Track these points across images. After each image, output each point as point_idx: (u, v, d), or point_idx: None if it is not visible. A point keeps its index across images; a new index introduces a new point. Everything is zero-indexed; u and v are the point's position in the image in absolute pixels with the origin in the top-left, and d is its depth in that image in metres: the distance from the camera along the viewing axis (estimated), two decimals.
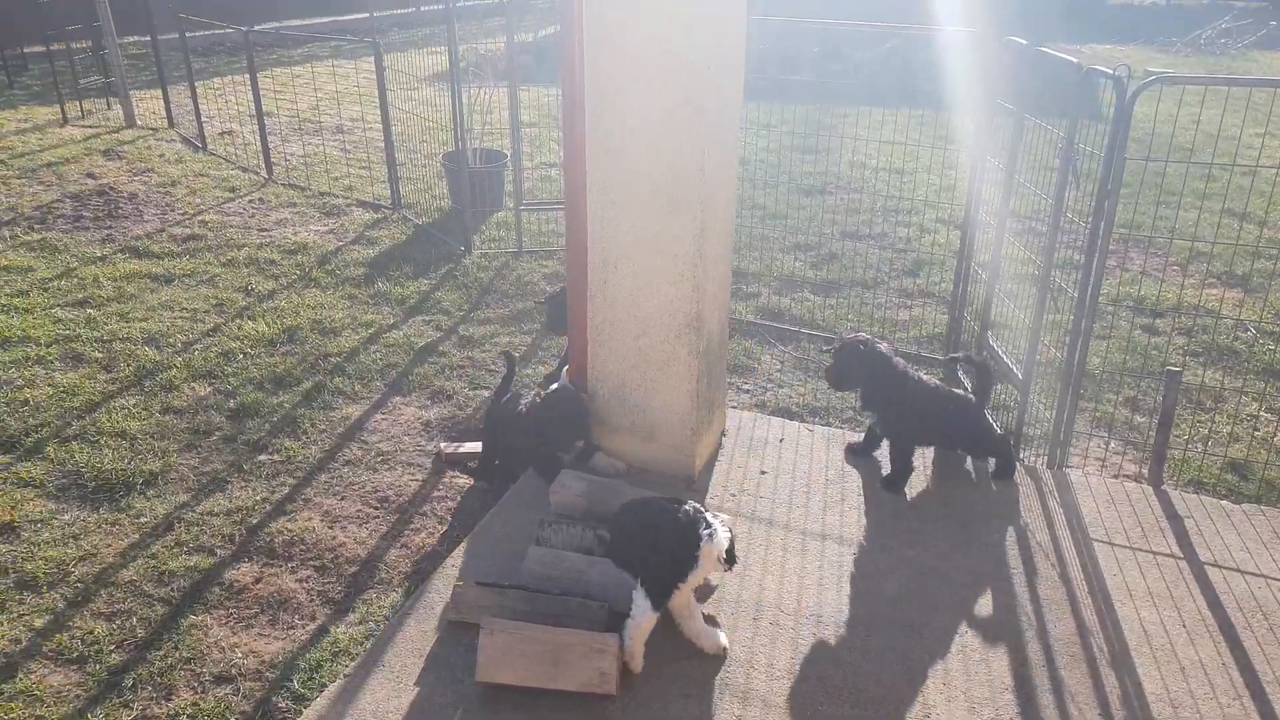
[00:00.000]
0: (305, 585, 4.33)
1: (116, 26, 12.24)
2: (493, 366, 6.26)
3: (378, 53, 8.97)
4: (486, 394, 5.85)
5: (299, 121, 12.58)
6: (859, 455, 5.11)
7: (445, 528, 4.75)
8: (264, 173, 10.38)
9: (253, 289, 7.42)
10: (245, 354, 6.33)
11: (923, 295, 7.59)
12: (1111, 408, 5.90)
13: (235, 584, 4.31)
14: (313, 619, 4.13)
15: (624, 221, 4.52)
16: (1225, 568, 4.33)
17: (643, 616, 3.59)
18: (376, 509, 4.88)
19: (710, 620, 3.85)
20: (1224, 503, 4.86)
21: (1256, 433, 5.71)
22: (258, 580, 4.34)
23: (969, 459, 5.08)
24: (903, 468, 4.85)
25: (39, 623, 4.05)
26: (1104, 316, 6.98)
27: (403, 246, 8.42)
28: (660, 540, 3.61)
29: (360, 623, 4.10)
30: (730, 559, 3.65)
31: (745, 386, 6.16)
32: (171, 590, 4.26)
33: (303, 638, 4.02)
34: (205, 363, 6.19)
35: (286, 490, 4.99)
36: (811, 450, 5.17)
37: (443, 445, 5.37)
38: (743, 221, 8.18)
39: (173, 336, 6.56)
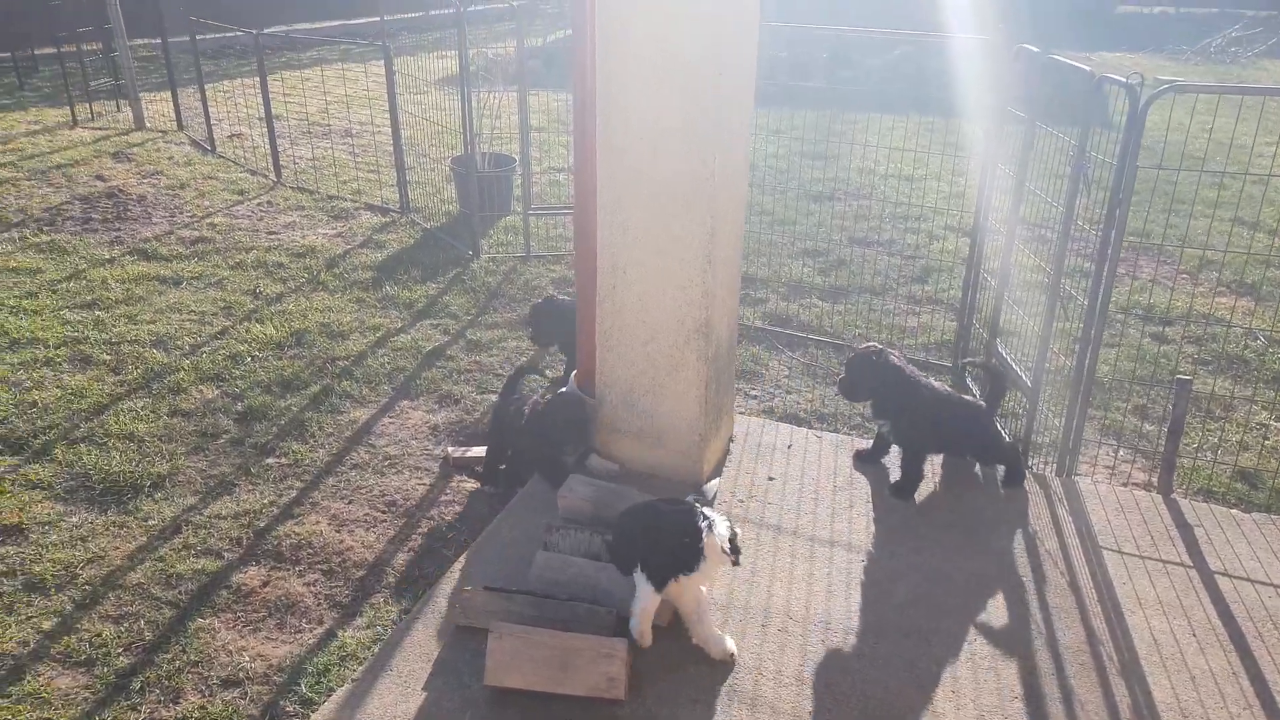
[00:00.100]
0: (312, 589, 4.33)
1: (127, 29, 12.27)
2: (500, 371, 6.26)
3: (388, 56, 8.98)
4: (494, 398, 5.85)
5: (308, 125, 12.60)
6: (867, 462, 5.10)
7: (452, 532, 4.75)
8: (273, 176, 10.40)
9: (261, 292, 7.43)
10: (253, 357, 6.34)
11: (931, 302, 7.57)
12: (1121, 416, 5.88)
13: (243, 587, 4.31)
14: (320, 623, 4.13)
15: (633, 224, 4.51)
16: (1235, 576, 4.31)
17: (646, 598, 3.62)
18: (384, 513, 4.88)
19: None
20: (1234, 511, 4.84)
21: (1266, 441, 5.69)
22: (265, 584, 4.34)
23: (977, 466, 5.07)
24: (913, 475, 4.84)
25: (47, 625, 4.05)
26: (1113, 324, 6.97)
27: (411, 250, 8.43)
28: (661, 539, 3.61)
29: (368, 627, 4.10)
30: (734, 550, 3.62)
31: (753, 392, 6.15)
32: (179, 593, 4.26)
33: (310, 641, 4.02)
34: (213, 365, 6.19)
35: (294, 494, 4.99)
36: (819, 456, 5.16)
37: (450, 449, 5.37)
38: (751, 227, 8.17)
39: (181, 339, 6.57)
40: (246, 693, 3.76)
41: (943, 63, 8.52)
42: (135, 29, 12.91)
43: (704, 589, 3.72)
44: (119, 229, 8.66)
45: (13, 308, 6.90)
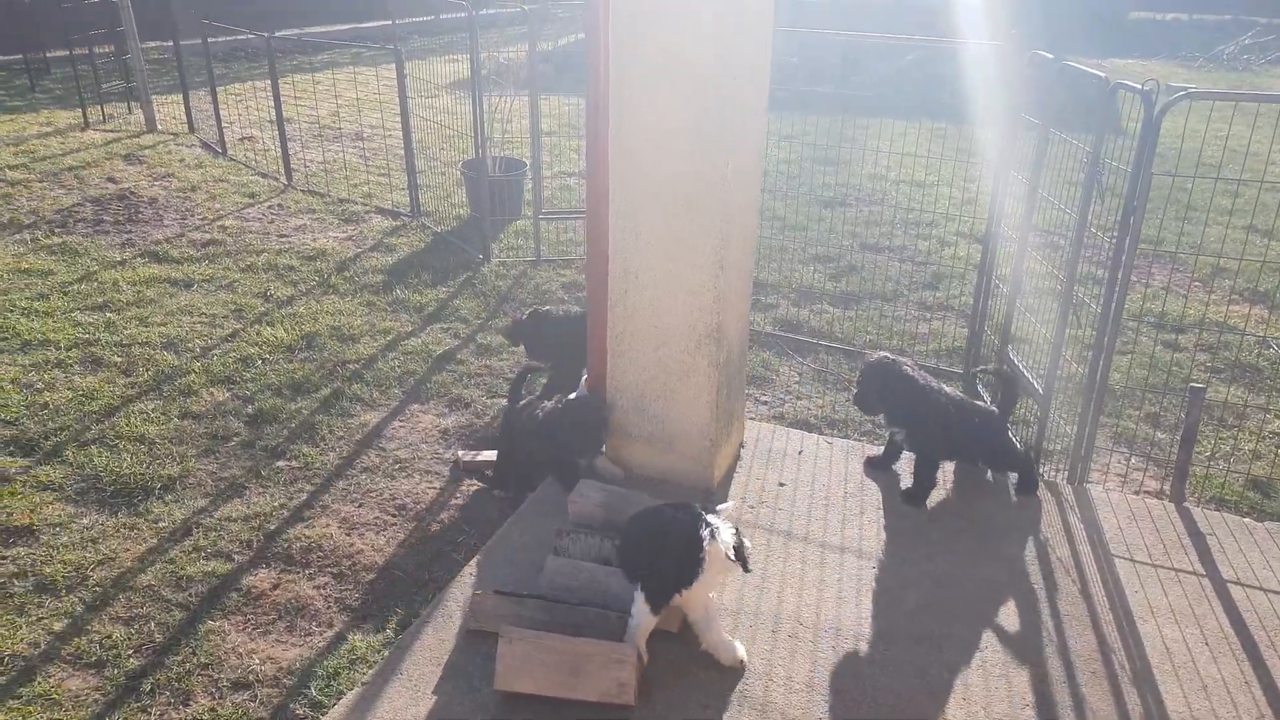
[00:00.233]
0: (323, 592, 4.33)
1: (139, 31, 12.32)
2: (510, 375, 6.26)
3: (399, 60, 9.00)
4: (504, 402, 5.84)
5: (319, 128, 12.64)
6: (878, 468, 5.09)
7: (463, 536, 4.74)
8: (283, 179, 10.42)
9: (271, 295, 7.44)
10: (264, 360, 6.35)
11: (942, 309, 7.56)
12: (1133, 424, 5.86)
13: (253, 590, 4.31)
14: (330, 626, 4.13)
15: (645, 229, 4.51)
16: (1248, 585, 4.29)
17: (641, 618, 3.59)
18: (394, 516, 4.88)
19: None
20: (1246, 520, 4.81)
21: (1279, 451, 5.66)
22: (275, 586, 4.34)
23: (989, 473, 5.05)
24: (926, 481, 4.82)
25: (58, 626, 4.06)
26: (1126, 332, 6.94)
27: (421, 254, 8.44)
28: (665, 547, 3.60)
29: (378, 630, 4.10)
30: (741, 557, 3.58)
31: (763, 398, 6.14)
32: (189, 595, 4.27)
33: (320, 645, 4.02)
34: (224, 368, 6.20)
35: (304, 497, 5.00)
36: (830, 462, 5.15)
37: (460, 453, 5.36)
38: (762, 232, 8.15)
39: (191, 341, 6.58)
40: (256, 695, 3.76)
41: (955, 68, 8.50)
42: (147, 32, 12.95)
43: (713, 595, 3.71)
44: (130, 231, 8.69)
45: (24, 309, 6.92)
